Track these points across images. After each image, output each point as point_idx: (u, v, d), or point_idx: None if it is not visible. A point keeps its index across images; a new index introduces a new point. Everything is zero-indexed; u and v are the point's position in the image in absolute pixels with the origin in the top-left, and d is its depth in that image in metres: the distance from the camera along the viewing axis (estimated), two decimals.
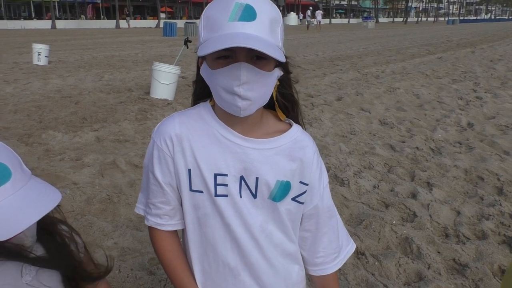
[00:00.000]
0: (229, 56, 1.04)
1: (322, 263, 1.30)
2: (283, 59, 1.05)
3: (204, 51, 1.03)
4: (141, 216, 3.84)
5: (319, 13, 42.57)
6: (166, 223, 1.22)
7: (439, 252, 3.18)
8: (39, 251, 1.13)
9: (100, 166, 4.67)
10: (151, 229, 1.25)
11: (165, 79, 7.96)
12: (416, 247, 3.21)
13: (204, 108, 1.20)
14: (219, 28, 1.03)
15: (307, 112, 7.11)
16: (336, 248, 1.31)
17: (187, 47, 8.53)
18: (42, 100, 8.11)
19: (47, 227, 1.16)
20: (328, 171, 4.61)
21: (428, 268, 2.99)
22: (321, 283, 1.34)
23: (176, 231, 1.26)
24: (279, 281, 1.24)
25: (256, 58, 1.04)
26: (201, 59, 1.15)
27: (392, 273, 2.95)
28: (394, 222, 3.60)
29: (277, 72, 1.12)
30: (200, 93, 1.24)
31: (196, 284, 1.23)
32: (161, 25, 38.14)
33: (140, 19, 62.96)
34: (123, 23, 50.99)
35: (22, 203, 0.99)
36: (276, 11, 1.09)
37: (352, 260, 3.07)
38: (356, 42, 24.65)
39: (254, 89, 1.05)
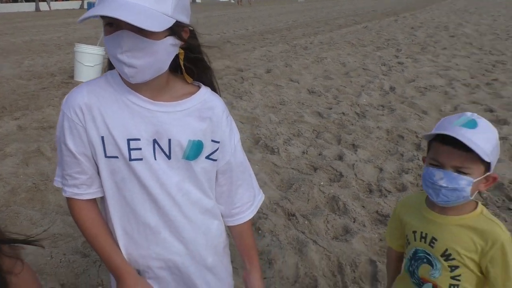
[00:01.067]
0: (113, 24, 1.06)
1: (238, 213, 1.39)
2: (152, 28, 1.02)
3: (81, 17, 1.05)
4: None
5: None
6: (84, 192, 1.23)
7: (363, 207, 3.39)
8: None
9: (23, 155, 4.47)
10: (69, 200, 1.26)
11: (89, 61, 7.65)
12: (343, 204, 3.40)
13: (111, 76, 1.21)
14: None
15: (237, 86, 7.15)
16: (250, 198, 1.41)
17: None
18: None
19: None
20: (258, 141, 4.75)
21: (354, 222, 3.19)
22: (238, 232, 1.43)
23: (95, 199, 1.27)
24: (199, 236, 1.29)
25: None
26: None
27: (321, 229, 3.12)
28: (322, 183, 3.77)
29: (171, 40, 1.12)
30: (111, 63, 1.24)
31: (118, 248, 1.26)
32: (85, 6, 36.27)
33: (62, 0, 59.46)
34: (43, 6, 47.93)
35: None
36: None
37: (283, 221, 3.21)
38: (286, 16, 24.84)
39: (138, 57, 1.07)
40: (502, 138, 4.42)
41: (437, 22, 17.01)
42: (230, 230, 1.44)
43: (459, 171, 1.27)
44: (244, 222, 1.41)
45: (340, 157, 4.29)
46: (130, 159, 1.17)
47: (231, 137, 1.31)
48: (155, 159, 1.19)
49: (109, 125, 1.16)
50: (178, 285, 1.31)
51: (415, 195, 1.59)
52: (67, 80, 8.02)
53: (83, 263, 2.82)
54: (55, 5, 50.88)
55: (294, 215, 3.29)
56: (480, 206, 1.37)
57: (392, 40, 12.38)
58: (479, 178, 1.28)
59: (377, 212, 3.32)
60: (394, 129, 5.02)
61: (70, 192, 1.24)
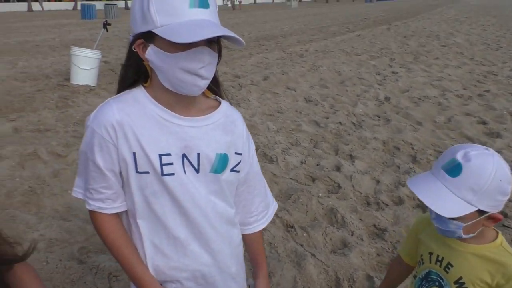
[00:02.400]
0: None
1: (255, 221, 1.45)
2: (243, 43, 1.13)
3: (186, 38, 1.05)
4: (67, 205, 3.69)
5: None
6: (109, 206, 1.26)
7: (361, 220, 3.41)
8: None
9: (19, 157, 4.44)
10: (93, 213, 1.28)
11: (86, 64, 7.62)
12: (341, 216, 3.41)
13: (139, 92, 1.23)
14: (182, 14, 1.08)
15: (234, 93, 7.17)
16: (265, 206, 1.46)
17: (107, 31, 8.21)
18: None
19: None
20: (257, 149, 4.76)
21: (352, 235, 3.21)
22: (251, 239, 1.47)
23: (118, 213, 1.29)
24: (225, 246, 1.34)
25: (209, 42, 1.13)
26: (142, 42, 1.15)
27: (319, 242, 3.13)
28: (320, 194, 3.79)
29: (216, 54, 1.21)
30: (132, 77, 1.25)
31: (141, 259, 1.29)
32: (79, 7, 36.11)
33: (55, 1, 59.10)
34: (35, 6, 47.59)
35: None
36: None
37: (282, 233, 3.21)
38: (280, 22, 24.96)
39: (211, 69, 1.16)
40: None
41: (428, 31, 17.24)
42: (243, 238, 1.47)
43: None
44: (259, 230, 1.46)
45: (338, 168, 4.32)
46: (163, 174, 1.20)
47: (249, 149, 1.37)
48: (185, 173, 1.22)
49: (141, 141, 1.19)
50: None
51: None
52: (63, 82, 7.97)
53: (79, 269, 2.81)
54: (47, 6, 50.53)
55: (293, 226, 3.30)
56: (500, 237, 1.36)
57: (386, 49, 12.50)
58: (471, 222, 1.26)
59: (374, 225, 3.34)
60: (390, 140, 5.06)
61: (95, 206, 1.26)
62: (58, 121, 5.81)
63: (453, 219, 1.26)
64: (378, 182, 4.05)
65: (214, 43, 1.15)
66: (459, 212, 1.22)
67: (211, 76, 1.17)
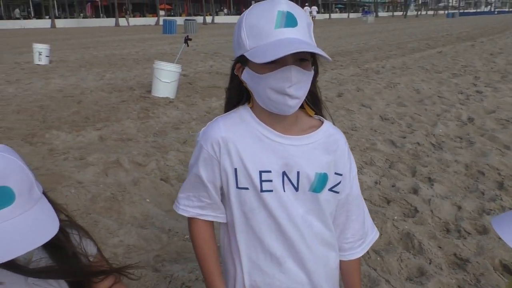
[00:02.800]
0: (276, 61, 1.11)
1: (350, 248, 1.41)
2: (329, 59, 1.13)
3: (265, 57, 1.08)
4: (145, 213, 3.85)
5: (314, 9, 46.42)
6: (207, 213, 1.34)
7: (440, 247, 3.22)
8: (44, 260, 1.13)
9: (104, 165, 4.72)
10: (191, 219, 1.37)
11: (167, 78, 7.99)
12: (418, 242, 3.25)
13: (244, 111, 1.29)
14: (267, 35, 1.12)
15: None
16: (363, 234, 1.42)
17: (188, 45, 8.57)
18: (45, 100, 8.15)
19: (57, 242, 1.13)
20: None
21: (430, 263, 3.04)
22: (346, 267, 1.44)
23: (212, 224, 1.38)
24: (320, 267, 1.33)
25: (300, 61, 1.14)
26: (240, 65, 1.22)
27: (394, 268, 2.99)
28: (395, 217, 3.64)
29: (312, 71, 1.21)
30: (236, 98, 1.32)
31: (220, 272, 1.37)
32: (161, 22, 38.07)
33: (140, 16, 62.85)
34: (122, 21, 50.90)
35: (13, 233, 0.96)
36: (307, 16, 1.19)
37: None
38: (356, 37, 24.62)
39: (301, 88, 1.16)
40: None
41: None
42: (339, 264, 1.46)
43: None
44: (354, 259, 1.42)
45: (415, 191, 4.13)
46: (261, 190, 1.24)
47: (350, 170, 1.35)
48: (284, 190, 1.25)
49: (243, 158, 1.24)
50: None
51: None
52: (145, 94, 8.41)
53: (153, 277, 2.90)
54: (133, 21, 53.86)
55: None
56: None
57: (470, 67, 11.86)
58: None
59: (455, 254, 3.14)
60: (473, 164, 4.76)
61: (193, 212, 1.35)
62: (139, 131, 6.12)
63: None
64: (459, 208, 3.81)
65: (306, 61, 1.15)
66: None
67: (302, 95, 1.17)
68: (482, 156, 5.02)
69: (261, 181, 1.24)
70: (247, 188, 1.25)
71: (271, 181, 1.24)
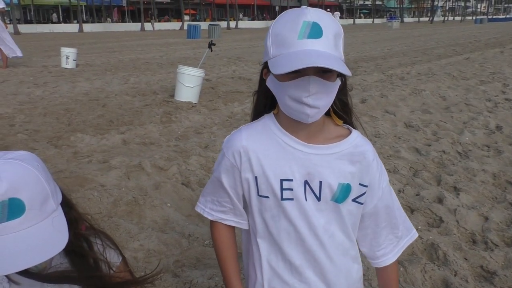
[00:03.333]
0: (296, 70, 1.10)
1: (383, 255, 1.39)
2: (348, 73, 1.11)
3: (281, 69, 1.10)
4: (166, 218, 3.85)
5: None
6: (229, 218, 1.37)
7: (466, 259, 3.13)
8: (64, 264, 1.13)
9: (126, 168, 4.76)
10: (213, 223, 1.40)
11: (190, 82, 8.04)
12: (443, 253, 3.16)
13: (268, 119, 1.30)
14: (290, 45, 1.12)
15: None
16: (395, 239, 1.39)
17: (211, 50, 8.62)
18: (71, 103, 8.30)
19: (80, 250, 1.15)
20: None
21: (455, 275, 2.95)
22: (382, 273, 1.43)
23: (233, 229, 1.41)
24: (341, 279, 1.31)
25: (323, 71, 1.13)
26: (266, 70, 1.23)
27: (418, 279, 2.92)
28: (420, 227, 3.55)
29: (339, 81, 1.20)
30: (263, 102, 1.33)
31: (239, 275, 1.40)
32: (185, 27, 38.49)
33: (165, 21, 63.74)
34: (147, 26, 51.71)
35: (17, 246, 0.95)
36: (338, 26, 1.17)
37: None
38: (380, 43, 24.37)
39: (321, 98, 1.15)
40: None
41: None
42: (376, 271, 1.45)
43: None
44: (390, 264, 1.40)
45: (440, 200, 4.03)
46: (282, 199, 1.24)
47: (379, 181, 1.32)
48: (306, 200, 1.24)
49: (264, 166, 1.25)
50: None
51: None
52: (168, 98, 8.48)
53: (173, 283, 2.89)
54: (158, 26, 54.68)
55: None
56: None
57: (498, 74, 11.58)
58: None
59: (481, 267, 3.04)
60: (501, 173, 4.62)
61: (216, 216, 1.38)
62: (162, 135, 6.16)
63: None
64: (486, 219, 3.70)
65: (329, 72, 1.14)
66: None
67: (322, 105, 1.15)
68: (510, 165, 4.87)
69: (282, 189, 1.24)
70: (267, 197, 1.26)
71: (292, 189, 1.23)
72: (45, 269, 1.12)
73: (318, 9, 1.16)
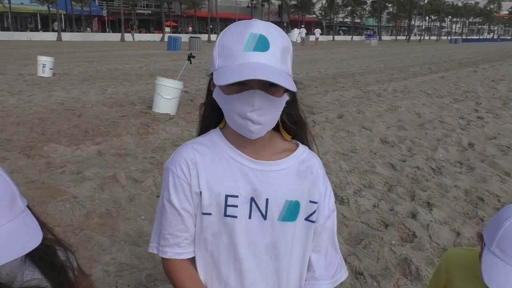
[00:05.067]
0: (242, 83, 1.08)
1: (319, 277, 1.30)
2: (294, 88, 1.07)
3: (222, 81, 1.05)
4: (139, 231, 3.78)
5: (317, 31, 51.40)
6: (186, 251, 1.22)
7: None
8: (35, 274, 1.12)
9: (100, 180, 4.68)
10: (168, 261, 1.22)
11: (168, 94, 8.00)
12: (415, 268, 3.19)
13: (215, 134, 1.24)
14: (235, 57, 1.08)
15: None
16: (331, 270, 1.31)
17: (191, 63, 8.61)
18: (45, 113, 8.15)
19: (46, 257, 1.12)
20: None
21: None
22: None
23: (190, 259, 1.25)
24: None
25: (269, 86, 1.08)
26: (213, 82, 1.18)
27: None
28: (393, 242, 3.58)
29: (286, 97, 1.16)
30: (209, 115, 1.27)
31: None
32: (166, 39, 38.44)
33: (145, 32, 63.55)
34: (128, 36, 51.45)
35: None
36: (286, 40, 1.14)
37: (350, 280, 3.06)
38: (358, 60, 24.80)
39: (266, 114, 1.10)
40: None
41: None
42: None
43: None
44: None
45: (414, 215, 4.08)
46: (225, 215, 1.17)
47: (326, 199, 1.27)
48: (250, 217, 1.17)
49: (209, 181, 1.18)
50: None
51: (465, 252, 1.41)
52: (146, 110, 8.42)
53: None
54: (138, 37, 54.45)
55: (362, 274, 3.13)
56: None
57: (471, 93, 11.90)
58: None
59: None
60: (473, 189, 4.72)
61: (171, 252, 1.21)
62: (138, 147, 6.09)
63: None
64: (458, 234, 3.76)
65: (275, 86, 1.09)
66: None
67: (267, 121, 1.11)
68: (482, 182, 4.98)
69: (226, 205, 1.16)
70: (209, 214, 1.17)
71: (236, 206, 1.17)
72: (15, 281, 1.09)
73: (268, 22, 1.12)
